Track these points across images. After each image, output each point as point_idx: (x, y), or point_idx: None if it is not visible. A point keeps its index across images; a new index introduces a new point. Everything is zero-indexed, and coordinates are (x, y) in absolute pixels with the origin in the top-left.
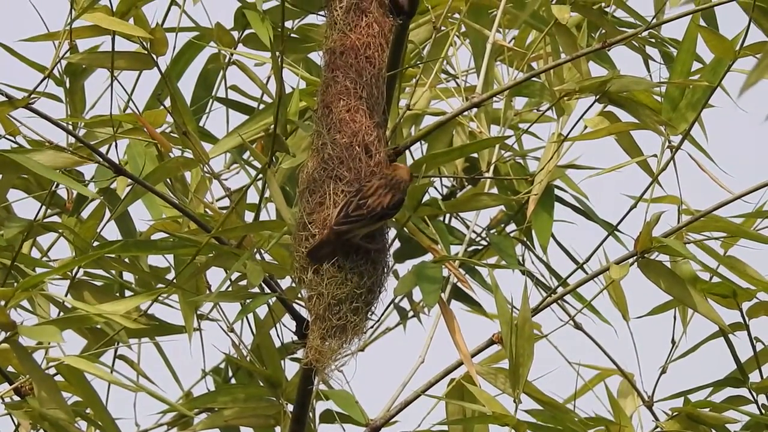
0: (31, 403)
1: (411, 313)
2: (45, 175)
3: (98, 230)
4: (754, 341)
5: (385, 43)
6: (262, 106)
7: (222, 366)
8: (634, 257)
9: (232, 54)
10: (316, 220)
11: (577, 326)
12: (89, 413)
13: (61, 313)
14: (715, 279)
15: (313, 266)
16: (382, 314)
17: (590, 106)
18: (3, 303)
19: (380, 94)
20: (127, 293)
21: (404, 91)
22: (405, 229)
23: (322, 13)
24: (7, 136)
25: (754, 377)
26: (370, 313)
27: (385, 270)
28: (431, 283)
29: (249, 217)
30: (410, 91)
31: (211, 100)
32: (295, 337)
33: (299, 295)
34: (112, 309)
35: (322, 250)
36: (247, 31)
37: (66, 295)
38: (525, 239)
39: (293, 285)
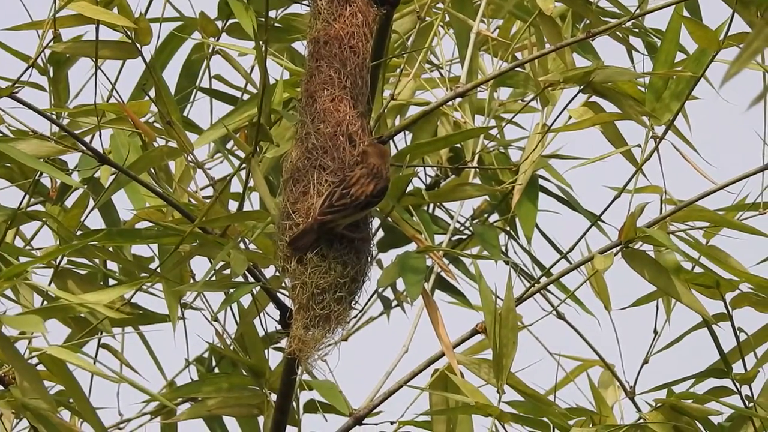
0: (13, 392)
1: (394, 303)
2: (28, 164)
3: (82, 219)
4: (738, 332)
5: (369, 33)
6: (246, 96)
7: (205, 355)
8: (618, 247)
9: (215, 45)
10: (299, 209)
11: (560, 316)
12: (72, 403)
13: (45, 303)
14: (698, 269)
15: (297, 255)
16: (366, 304)
17: (574, 97)
18: None
19: (364, 83)
20: (111, 282)
21: (388, 82)
22: (389, 218)
23: (306, 2)
24: None
25: (737, 368)
26: (353, 302)
27: (369, 259)
28: (414, 273)
29: (233, 206)
30: (394, 81)
31: (195, 90)
32: (279, 327)
33: (283, 285)
34: (96, 299)
35: (304, 239)
36: (231, 21)
37: (50, 284)
38: (509, 229)
39: (277, 274)
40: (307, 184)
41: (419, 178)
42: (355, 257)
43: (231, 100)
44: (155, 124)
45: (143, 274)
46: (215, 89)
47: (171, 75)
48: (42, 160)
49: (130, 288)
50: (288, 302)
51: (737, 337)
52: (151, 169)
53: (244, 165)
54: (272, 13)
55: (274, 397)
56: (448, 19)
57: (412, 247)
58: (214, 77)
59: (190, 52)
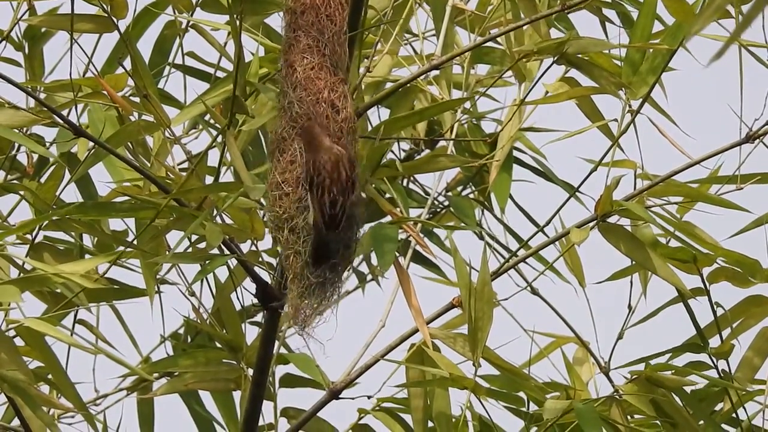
0: None
1: (369, 277)
2: (4, 135)
3: (58, 193)
4: (715, 306)
5: (345, 1)
6: (219, 73)
7: (181, 331)
8: (595, 221)
9: (189, 21)
10: (288, 179)
11: (534, 291)
12: (50, 378)
13: (21, 275)
14: (675, 243)
15: (289, 225)
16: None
17: (548, 68)
18: None
19: (343, 51)
20: (88, 257)
21: (367, 58)
22: (363, 193)
23: None
24: None
25: (713, 343)
26: (348, 269)
27: (359, 224)
28: (387, 242)
29: (210, 180)
30: (371, 57)
31: (168, 67)
32: (256, 301)
33: (260, 259)
34: (72, 269)
35: (323, 250)
36: None
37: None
38: (483, 200)
39: (254, 248)
40: (294, 153)
41: (393, 153)
42: (347, 223)
43: (204, 76)
44: (131, 97)
45: (119, 248)
46: (188, 66)
47: (143, 50)
48: (17, 131)
49: (106, 259)
50: (265, 276)
51: (714, 312)
52: (129, 143)
53: (220, 137)
54: None
55: (250, 371)
56: None
57: (387, 220)
58: (186, 54)
59: (163, 27)
